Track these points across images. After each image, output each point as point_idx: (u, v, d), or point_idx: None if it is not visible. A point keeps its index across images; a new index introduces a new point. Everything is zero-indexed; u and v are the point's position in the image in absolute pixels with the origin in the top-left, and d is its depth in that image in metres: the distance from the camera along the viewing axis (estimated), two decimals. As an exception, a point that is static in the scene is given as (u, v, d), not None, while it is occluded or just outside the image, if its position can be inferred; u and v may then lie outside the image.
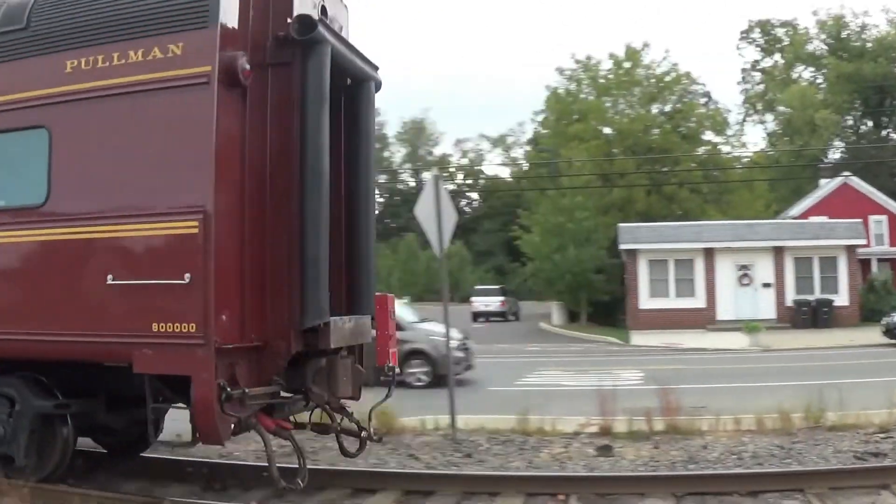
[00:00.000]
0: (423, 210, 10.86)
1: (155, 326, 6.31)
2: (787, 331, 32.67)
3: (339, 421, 7.96)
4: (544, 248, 42.69)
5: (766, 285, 36.01)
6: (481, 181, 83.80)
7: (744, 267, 36.24)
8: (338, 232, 8.13)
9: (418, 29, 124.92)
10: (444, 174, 65.65)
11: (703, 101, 53.57)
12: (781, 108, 60.67)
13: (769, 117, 65.06)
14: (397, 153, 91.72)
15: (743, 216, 43.17)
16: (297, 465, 7.18)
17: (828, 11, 63.52)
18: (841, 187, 43.83)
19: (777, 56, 66.81)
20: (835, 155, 59.37)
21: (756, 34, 67.20)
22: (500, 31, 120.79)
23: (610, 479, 7.94)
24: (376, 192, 9.24)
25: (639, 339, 32.76)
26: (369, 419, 8.05)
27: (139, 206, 6.47)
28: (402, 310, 17.65)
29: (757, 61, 67.88)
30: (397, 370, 8.13)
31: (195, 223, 6.17)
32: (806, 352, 25.08)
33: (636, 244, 37.29)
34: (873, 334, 27.89)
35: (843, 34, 61.46)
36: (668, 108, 49.91)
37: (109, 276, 6.45)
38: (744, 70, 68.32)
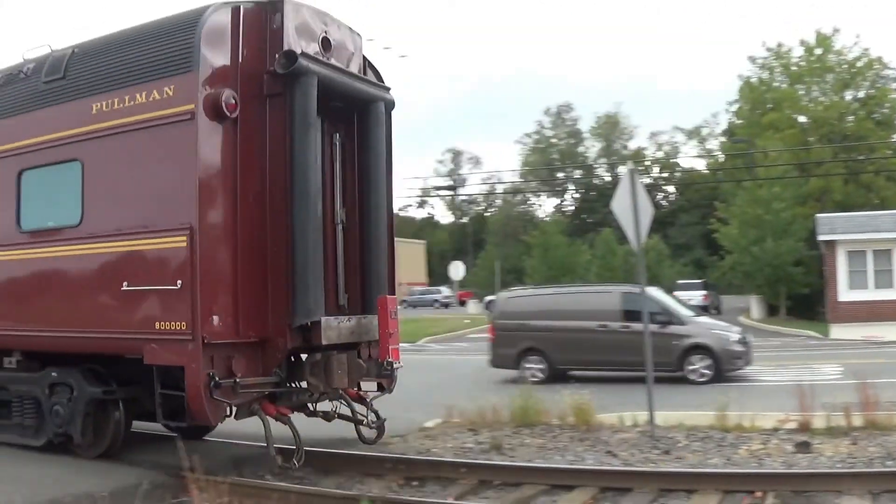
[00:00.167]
0: (620, 204, 10.72)
1: (157, 325, 7.48)
2: None
3: (366, 411, 9.03)
4: (742, 241, 41.32)
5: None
6: (677, 174, 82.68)
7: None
8: (353, 239, 9.11)
9: (610, 22, 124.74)
10: (640, 168, 65.45)
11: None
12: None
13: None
14: (592, 148, 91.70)
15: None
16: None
17: None
18: None
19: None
20: None
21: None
22: (692, 19, 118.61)
23: (806, 477, 7.72)
24: (393, 201, 9.98)
25: (838, 332, 31.30)
26: (368, 410, 8.97)
27: (145, 225, 7.67)
28: (676, 304, 17.73)
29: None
30: (398, 365, 8.85)
31: (184, 238, 7.30)
32: None
33: (834, 235, 35.72)
34: None
35: None
36: (861, 94, 47.95)
37: (125, 283, 7.69)
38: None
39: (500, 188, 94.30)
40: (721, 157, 64.86)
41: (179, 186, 7.43)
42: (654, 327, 13.53)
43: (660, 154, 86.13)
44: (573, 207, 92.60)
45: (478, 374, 17.92)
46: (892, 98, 48.00)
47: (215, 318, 7.46)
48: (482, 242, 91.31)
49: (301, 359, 8.63)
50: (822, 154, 44.70)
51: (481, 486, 7.96)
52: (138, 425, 9.28)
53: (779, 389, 13.64)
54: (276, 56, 7.94)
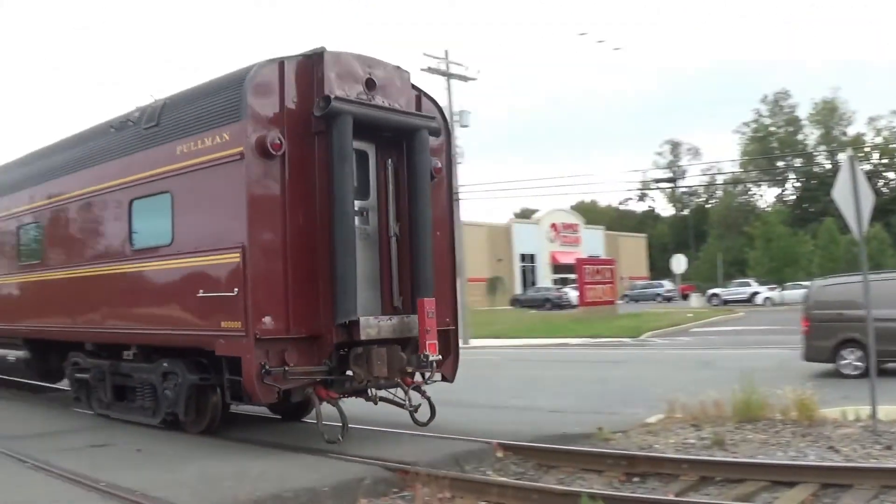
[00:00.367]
0: (841, 193, 10.56)
1: (223, 324, 9.30)
2: None
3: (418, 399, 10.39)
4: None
5: None
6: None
7: None
8: (405, 249, 10.60)
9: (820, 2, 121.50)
10: (859, 154, 63.84)
11: None
12: None
13: None
14: (811, 135, 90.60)
15: None
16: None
17: None
18: None
19: None
20: None
21: None
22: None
23: None
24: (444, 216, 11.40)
25: None
26: (422, 397, 10.39)
27: (213, 244, 9.53)
28: None
29: None
30: (434, 357, 10.13)
31: (237, 254, 9.08)
32: None
33: None
34: None
35: None
36: None
37: (200, 291, 9.57)
38: None
39: (720, 179, 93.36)
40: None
41: (234, 213, 9.20)
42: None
43: (878, 140, 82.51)
44: (794, 197, 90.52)
45: (697, 370, 17.97)
46: None
47: (267, 318, 9.15)
48: (704, 235, 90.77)
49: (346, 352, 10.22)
50: None
51: (702, 483, 7.98)
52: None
53: None
54: (316, 100, 9.58)
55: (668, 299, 63.91)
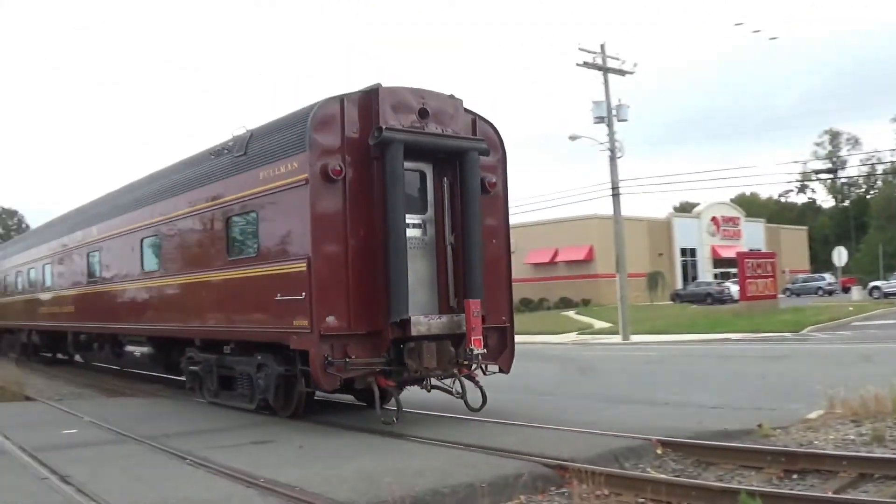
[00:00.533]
0: None
1: (295, 322, 11.03)
2: None
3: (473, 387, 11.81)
4: None
5: None
6: None
7: None
8: (459, 256, 12.07)
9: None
10: None
11: None
12: None
13: None
14: None
15: None
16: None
17: None
18: None
19: None
20: None
21: None
22: None
23: None
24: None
25: None
26: (462, 385, 11.83)
27: (286, 255, 11.31)
28: None
29: None
30: (478, 351, 11.45)
31: (304, 264, 10.80)
32: None
33: None
34: None
35: None
36: None
37: (279, 294, 11.35)
38: None
39: (879, 169, 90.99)
40: None
41: (301, 229, 10.94)
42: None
43: None
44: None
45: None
46: None
47: (330, 317, 10.81)
48: (864, 226, 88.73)
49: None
50: None
51: (861, 480, 7.85)
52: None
53: None
54: (372, 130, 11.19)
55: (830, 293, 63.17)
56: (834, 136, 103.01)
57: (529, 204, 66.27)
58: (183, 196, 14.56)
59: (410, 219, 11.62)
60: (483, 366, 12.09)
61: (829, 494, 7.30)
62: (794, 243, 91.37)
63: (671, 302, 61.65)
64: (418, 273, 11.72)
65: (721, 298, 57.94)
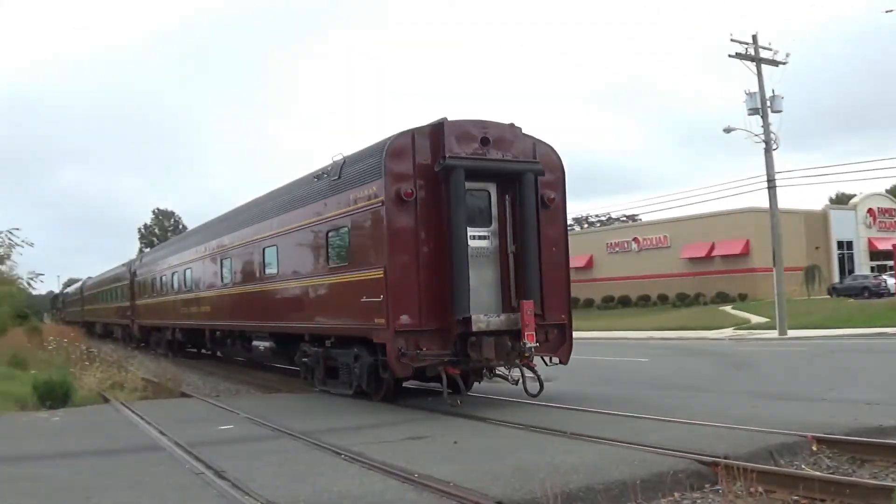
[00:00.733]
0: None
1: (375, 320, 13.27)
2: None
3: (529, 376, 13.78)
4: None
5: None
6: None
7: None
8: (520, 263, 14.00)
9: None
10: None
11: None
12: None
13: None
14: None
15: None
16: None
17: None
18: None
19: None
20: None
21: None
22: None
23: None
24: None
25: None
26: (522, 374, 13.75)
27: (368, 264, 13.57)
28: None
29: None
30: (531, 345, 13.25)
31: (381, 272, 13.05)
32: None
33: None
34: None
35: None
36: None
37: (363, 297, 13.63)
38: None
39: None
40: None
41: (380, 243, 13.20)
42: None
43: None
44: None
45: None
46: None
47: (404, 316, 12.96)
48: None
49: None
50: None
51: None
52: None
53: None
54: (438, 158, 13.30)
55: None
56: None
57: (685, 197, 64.69)
58: (294, 212, 17.11)
59: (477, 231, 13.67)
60: (547, 357, 14.01)
61: None
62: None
63: (828, 296, 59.77)
64: (485, 278, 13.73)
65: (878, 292, 55.79)
